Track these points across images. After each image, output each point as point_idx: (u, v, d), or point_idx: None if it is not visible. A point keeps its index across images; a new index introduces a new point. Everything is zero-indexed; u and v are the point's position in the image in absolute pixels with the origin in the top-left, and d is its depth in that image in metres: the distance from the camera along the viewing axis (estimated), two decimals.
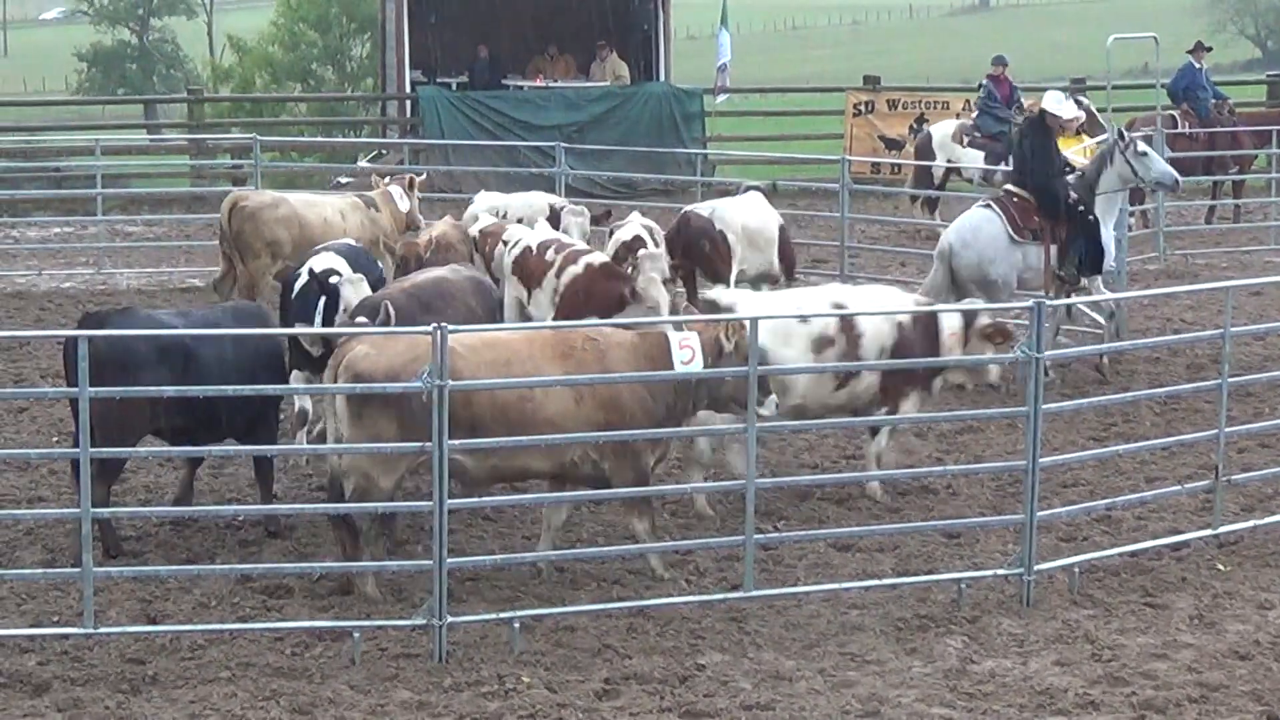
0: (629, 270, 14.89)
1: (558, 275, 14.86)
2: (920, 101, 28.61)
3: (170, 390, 10.97)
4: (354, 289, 12.68)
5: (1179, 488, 12.45)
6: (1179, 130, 24.54)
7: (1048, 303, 11.40)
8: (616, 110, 28.64)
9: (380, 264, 15.04)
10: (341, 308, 12.59)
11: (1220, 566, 11.80)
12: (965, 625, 10.74)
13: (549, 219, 16.98)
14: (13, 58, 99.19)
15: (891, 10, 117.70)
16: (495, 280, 15.15)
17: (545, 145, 24.55)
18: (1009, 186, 16.66)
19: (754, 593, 10.88)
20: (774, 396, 11.36)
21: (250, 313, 12.72)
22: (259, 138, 23.63)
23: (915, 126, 27.10)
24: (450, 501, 10.25)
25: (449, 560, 10.24)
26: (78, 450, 10.09)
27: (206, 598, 11.00)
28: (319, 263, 13.35)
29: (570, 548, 11.57)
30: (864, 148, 27.68)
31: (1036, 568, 11.15)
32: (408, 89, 29.12)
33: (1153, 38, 23.38)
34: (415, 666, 10.04)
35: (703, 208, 17.90)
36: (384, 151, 29.68)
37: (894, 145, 26.58)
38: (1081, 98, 22.51)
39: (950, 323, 12.88)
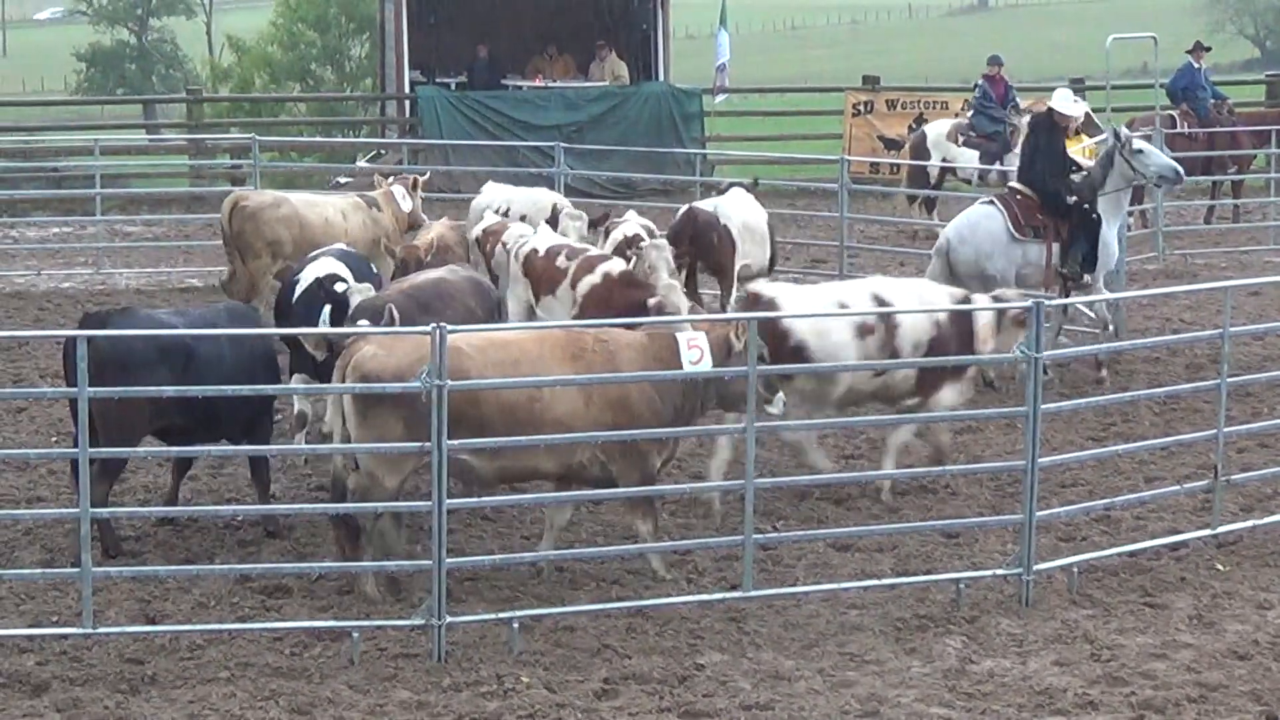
0: (631, 261, 14.77)
1: (573, 286, 14.53)
2: (919, 101, 28.61)
3: (170, 390, 10.97)
4: (363, 299, 12.61)
5: (1178, 488, 12.44)
6: (1178, 130, 24.53)
7: (1047, 303, 11.39)
8: (615, 110, 28.63)
9: (378, 265, 14.96)
10: (349, 316, 12.54)
11: (1219, 566, 11.80)
12: (964, 625, 10.74)
13: (549, 220, 16.94)
14: (12, 58, 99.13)
15: (890, 10, 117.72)
16: (494, 280, 15.13)
17: (544, 145, 24.50)
18: (1014, 184, 16.67)
19: (753, 593, 10.87)
20: (781, 395, 11.35)
21: (243, 313, 12.71)
22: (258, 138, 23.63)
23: (914, 126, 27.03)
24: (449, 501, 10.25)
25: (448, 560, 10.24)
26: (77, 450, 10.10)
27: (205, 598, 11.00)
28: (320, 268, 13.27)
29: (569, 548, 11.57)
30: (863, 148, 27.65)
31: (1035, 568, 11.14)
32: (407, 89, 29.10)
33: (1152, 38, 23.37)
34: (414, 666, 10.03)
35: (705, 204, 17.91)
36: (383, 151, 29.64)
37: (893, 145, 26.53)
38: (1078, 98, 22.49)
39: (983, 314, 12.93)
